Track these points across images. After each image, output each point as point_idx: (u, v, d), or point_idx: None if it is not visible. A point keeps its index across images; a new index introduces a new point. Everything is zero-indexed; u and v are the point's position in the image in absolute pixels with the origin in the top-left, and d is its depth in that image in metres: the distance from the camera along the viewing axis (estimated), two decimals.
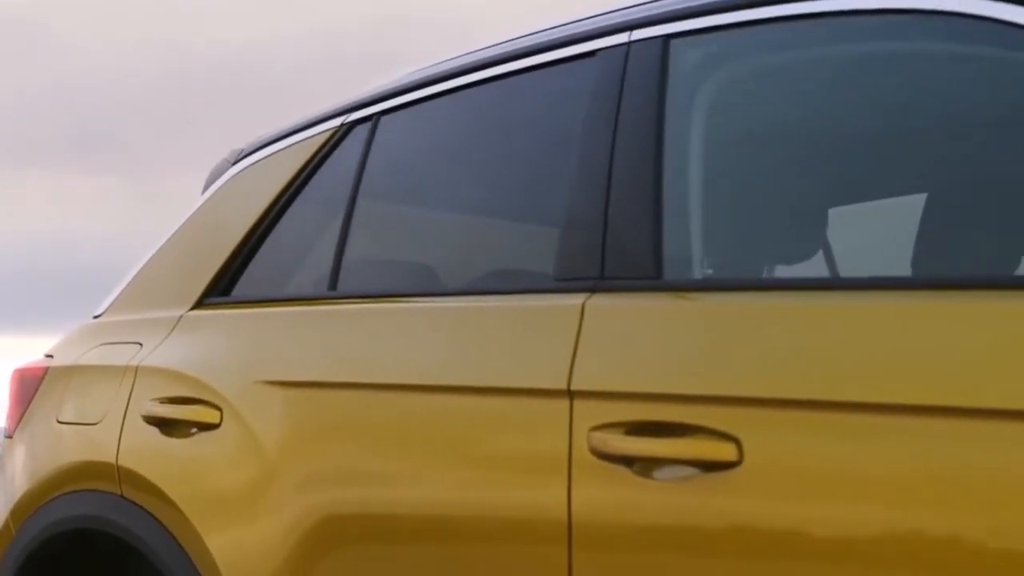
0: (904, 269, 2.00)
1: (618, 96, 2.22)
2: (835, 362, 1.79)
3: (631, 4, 2.35)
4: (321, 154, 2.82)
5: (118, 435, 2.80)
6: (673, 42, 2.22)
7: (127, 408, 2.81)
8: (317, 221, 2.82)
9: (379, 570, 2.28)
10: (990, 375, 1.65)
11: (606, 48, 2.30)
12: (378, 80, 2.81)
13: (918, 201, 2.13)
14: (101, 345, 3.06)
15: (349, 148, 2.76)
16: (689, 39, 2.22)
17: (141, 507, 2.70)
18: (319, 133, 2.85)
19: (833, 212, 2.42)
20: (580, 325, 2.07)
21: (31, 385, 3.17)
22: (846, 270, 2.45)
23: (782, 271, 2.39)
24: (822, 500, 1.75)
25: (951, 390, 1.67)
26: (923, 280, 1.90)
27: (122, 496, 2.75)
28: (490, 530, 2.10)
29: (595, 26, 2.35)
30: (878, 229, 2.57)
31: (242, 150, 3.11)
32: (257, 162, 3.01)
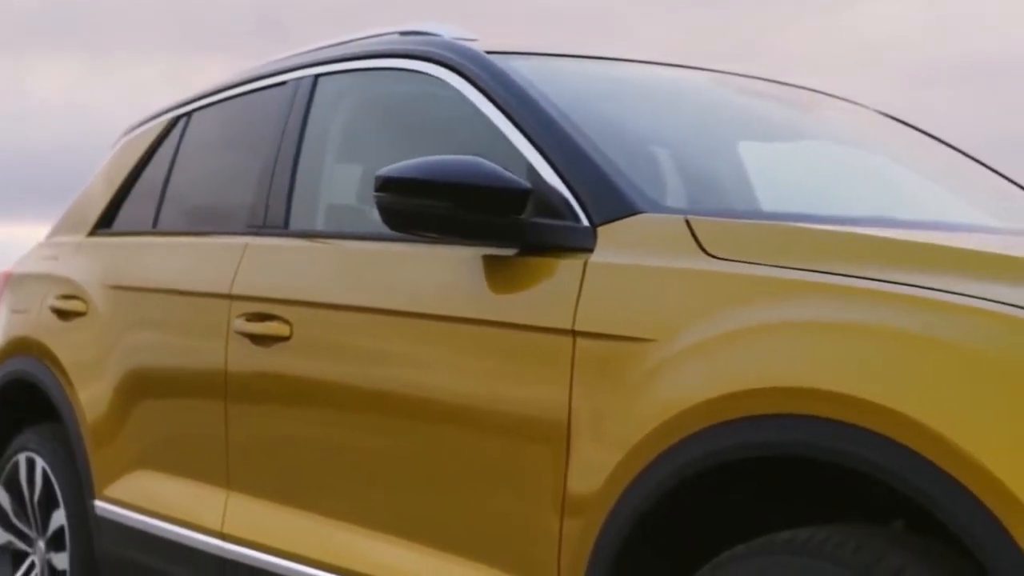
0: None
1: (288, 111, 3.61)
2: (346, 281, 3.17)
3: (308, 50, 3.74)
4: (162, 135, 4.27)
5: (36, 319, 4.32)
6: (320, 79, 3.60)
7: (42, 303, 4.33)
8: (154, 182, 4.26)
9: (159, 403, 3.76)
10: (417, 291, 2.97)
11: (292, 80, 3.69)
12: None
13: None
14: (39, 259, 4.58)
15: (176, 132, 4.21)
16: (332, 78, 3.59)
17: (46, 365, 4.22)
18: (163, 121, 4.30)
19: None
20: (243, 254, 3.49)
21: (2, 285, 4.71)
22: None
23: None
24: (338, 362, 3.13)
25: (404, 301, 2.98)
26: (387, 234, 3.18)
27: (37, 359, 4.28)
28: (188, 383, 3.56)
29: (285, 65, 3.75)
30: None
31: (131, 125, 4.57)
32: (133, 135, 4.47)
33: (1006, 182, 3.89)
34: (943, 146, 3.97)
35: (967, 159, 3.95)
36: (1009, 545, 1.87)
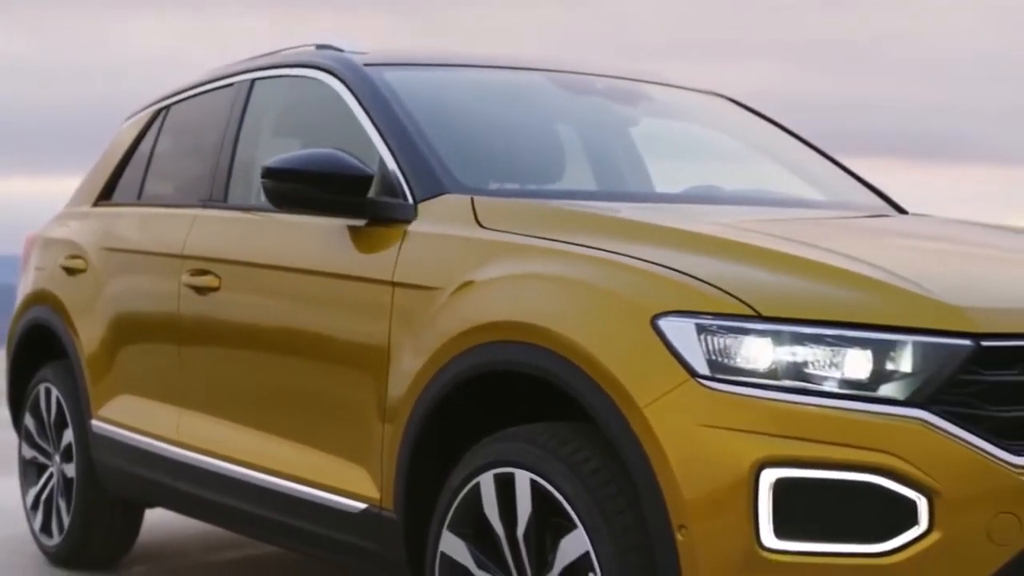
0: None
1: (231, 108, 4.54)
2: (254, 244, 4.08)
3: (256, 56, 4.65)
4: (148, 123, 5.22)
5: (50, 275, 5.31)
6: (255, 83, 4.51)
7: (55, 262, 5.31)
8: (140, 162, 5.21)
9: (135, 341, 4.71)
10: (297, 252, 3.89)
11: (237, 82, 4.61)
12: None
13: None
14: (56, 225, 5.56)
15: (158, 122, 5.16)
16: (264, 82, 4.50)
17: (57, 313, 5.20)
18: (150, 111, 5.24)
19: None
20: (193, 223, 4.43)
21: (28, 247, 5.70)
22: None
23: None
24: (246, 307, 4.06)
25: (288, 259, 3.90)
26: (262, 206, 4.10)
27: (51, 307, 5.26)
28: (154, 326, 4.51)
29: (235, 69, 4.66)
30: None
31: (129, 113, 5.51)
32: (129, 122, 5.42)
33: (831, 163, 4.70)
34: (783, 132, 4.78)
35: (806, 146, 4.76)
36: (623, 422, 2.75)
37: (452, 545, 3.16)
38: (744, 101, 4.85)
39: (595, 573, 2.82)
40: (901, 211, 4.45)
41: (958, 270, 3.13)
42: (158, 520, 5.51)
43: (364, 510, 3.47)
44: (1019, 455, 2.68)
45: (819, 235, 3.45)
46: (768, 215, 3.90)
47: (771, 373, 2.69)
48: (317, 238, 3.77)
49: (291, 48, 4.54)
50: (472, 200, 3.43)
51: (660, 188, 4.32)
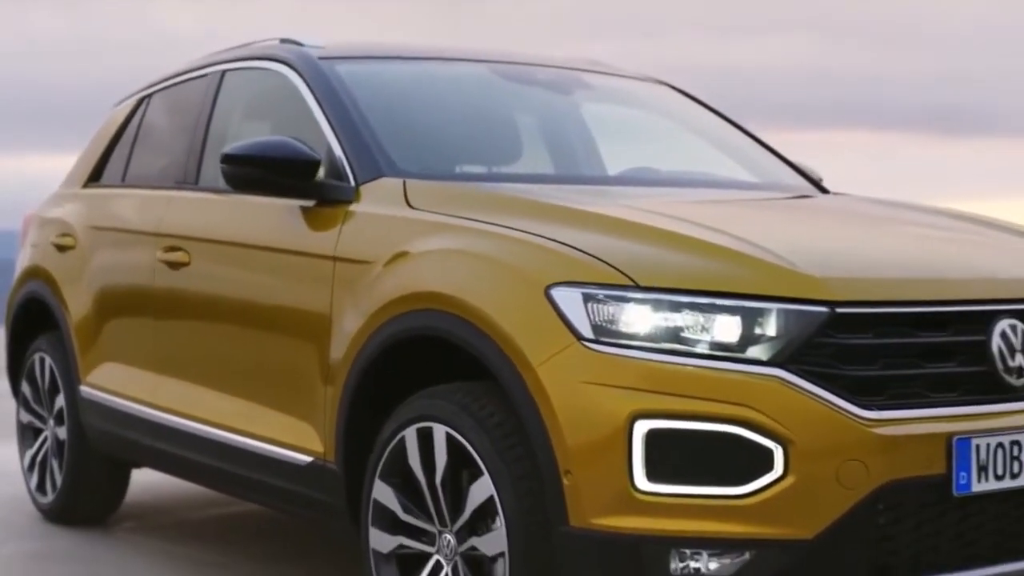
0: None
1: (203, 97, 4.91)
2: (219, 223, 4.45)
3: (228, 48, 5.02)
4: (132, 110, 5.60)
5: (44, 252, 5.70)
6: (225, 74, 4.88)
7: (48, 239, 5.70)
8: (124, 147, 5.59)
9: (116, 313, 5.10)
10: (255, 230, 4.27)
11: (210, 73, 4.98)
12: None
13: None
14: (50, 205, 5.95)
15: (141, 109, 5.54)
16: (233, 73, 4.87)
17: (49, 287, 5.58)
18: (135, 99, 5.62)
19: None
20: (168, 203, 4.81)
21: (26, 225, 6.10)
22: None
23: None
24: (212, 280, 4.43)
25: (248, 237, 4.28)
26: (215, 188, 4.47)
27: (44, 282, 5.65)
28: (133, 298, 4.90)
29: (209, 61, 5.03)
30: None
31: (117, 101, 5.89)
32: (116, 109, 5.80)
33: (764, 149, 5.04)
34: (722, 119, 5.12)
35: (744, 133, 5.10)
36: (520, 381, 3.11)
37: (383, 492, 3.53)
38: (685, 89, 5.20)
39: (499, 514, 3.19)
40: (823, 191, 4.79)
41: (827, 245, 3.48)
42: (145, 481, 5.91)
43: (310, 463, 3.84)
44: (869, 409, 3.03)
45: (720, 214, 3.80)
46: (688, 196, 4.26)
47: (649, 337, 3.05)
48: (273, 217, 4.14)
49: (259, 42, 4.90)
50: (404, 183, 3.79)
51: (596, 171, 4.68)
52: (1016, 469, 3.17)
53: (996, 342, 3.23)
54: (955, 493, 3.09)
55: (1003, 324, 3.24)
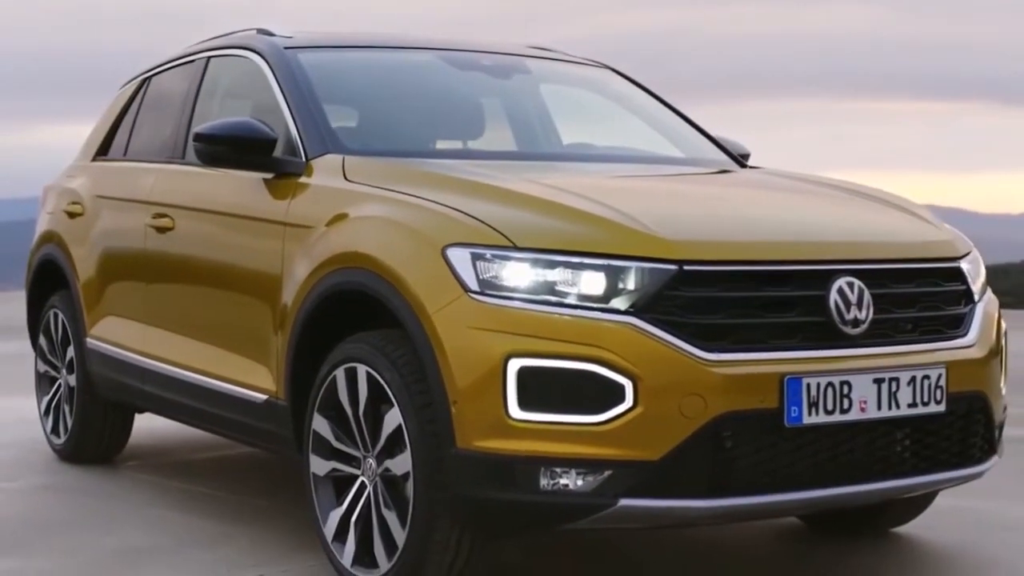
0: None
1: (191, 80, 5.52)
2: (197, 192, 5.06)
3: (217, 35, 5.62)
4: (136, 91, 6.23)
5: (57, 219, 6.35)
6: (210, 60, 5.49)
7: (60, 207, 6.34)
8: (127, 123, 6.21)
9: (115, 272, 5.73)
10: (224, 199, 4.87)
11: (198, 59, 5.59)
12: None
13: None
14: (64, 177, 6.59)
15: (142, 90, 6.17)
16: (216, 60, 5.48)
17: (61, 250, 6.23)
18: (138, 80, 6.25)
19: None
20: (157, 175, 5.43)
21: (44, 195, 6.75)
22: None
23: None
24: (191, 243, 5.05)
25: (218, 205, 4.90)
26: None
27: (57, 245, 6.30)
28: (127, 259, 5.52)
29: (199, 48, 5.64)
30: None
31: (125, 81, 6.52)
32: (123, 89, 6.43)
33: (690, 126, 5.59)
34: (659, 101, 5.66)
35: (676, 114, 5.64)
36: (420, 326, 3.70)
37: (320, 424, 4.13)
38: (628, 73, 5.75)
39: (405, 439, 3.78)
40: (743, 166, 5.32)
41: (691, 212, 4.03)
42: (147, 427, 6.56)
43: (265, 400, 4.46)
44: (711, 352, 3.58)
45: (613, 186, 4.37)
46: (602, 170, 4.82)
47: (527, 290, 3.62)
48: (239, 188, 4.75)
49: (240, 31, 5.50)
50: (343, 159, 4.38)
51: (530, 148, 5.25)
52: (846, 406, 3.70)
53: (834, 297, 3.76)
54: (787, 424, 3.63)
55: (841, 281, 3.78)
